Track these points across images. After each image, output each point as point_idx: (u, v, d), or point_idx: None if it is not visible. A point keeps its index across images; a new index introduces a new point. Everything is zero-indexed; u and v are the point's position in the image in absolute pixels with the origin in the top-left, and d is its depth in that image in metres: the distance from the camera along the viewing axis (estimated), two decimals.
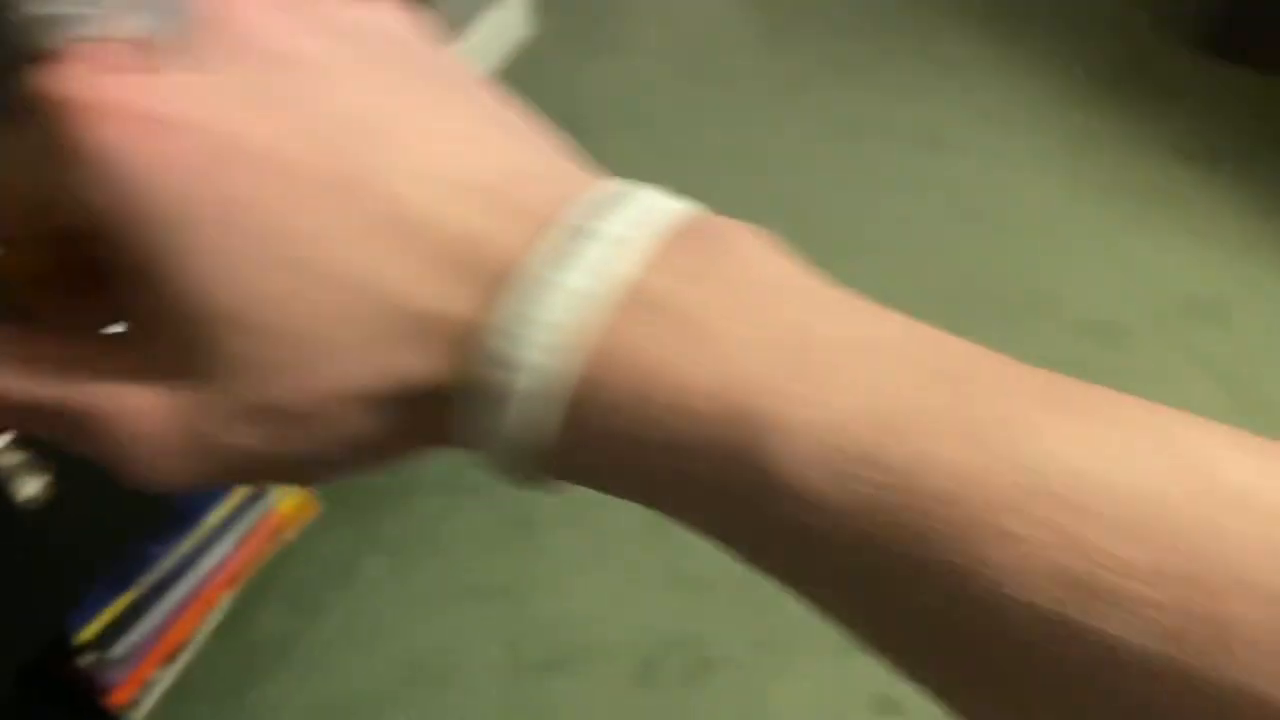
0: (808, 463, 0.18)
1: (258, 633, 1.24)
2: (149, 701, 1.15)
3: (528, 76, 1.94)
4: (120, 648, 1.11)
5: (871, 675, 1.21)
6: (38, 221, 0.22)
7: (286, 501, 1.24)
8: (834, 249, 1.62)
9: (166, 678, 1.16)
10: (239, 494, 1.21)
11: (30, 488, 0.84)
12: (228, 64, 0.21)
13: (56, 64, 0.20)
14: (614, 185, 0.21)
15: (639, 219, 0.20)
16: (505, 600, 1.29)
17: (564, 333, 0.19)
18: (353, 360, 0.20)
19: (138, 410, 0.21)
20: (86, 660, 1.10)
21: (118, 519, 1.01)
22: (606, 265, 0.20)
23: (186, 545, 1.16)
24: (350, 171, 0.20)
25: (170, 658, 1.16)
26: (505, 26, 1.93)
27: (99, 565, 1.06)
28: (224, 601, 1.21)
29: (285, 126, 0.20)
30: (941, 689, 0.19)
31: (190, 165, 0.19)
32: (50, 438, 0.22)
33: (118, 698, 1.11)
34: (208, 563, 1.17)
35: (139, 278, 0.20)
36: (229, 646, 1.22)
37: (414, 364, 0.20)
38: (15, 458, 0.82)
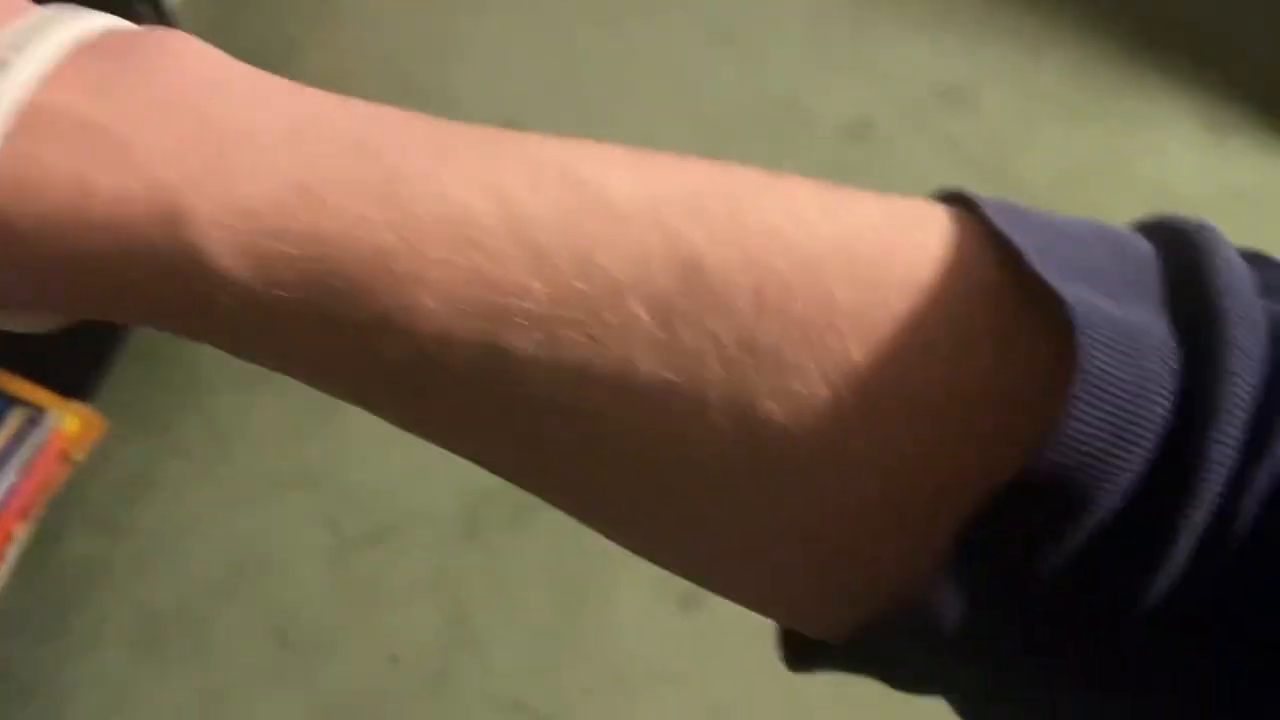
0: (229, 252, 0.19)
1: (67, 559, 1.21)
2: None
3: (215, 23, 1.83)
4: None
5: None
6: None
7: (69, 421, 1.19)
8: (594, 92, 1.62)
9: None
10: (14, 422, 1.15)
11: None
12: None
13: None
14: (39, 15, 0.21)
15: (55, 43, 0.21)
16: (318, 483, 1.28)
17: None
18: None
19: None
20: None
21: None
22: (23, 91, 0.20)
23: None
24: None
25: None
26: None
27: None
28: (22, 534, 1.16)
29: None
30: (430, 435, 0.22)
31: None
32: None
33: None
34: None
35: None
36: (39, 578, 1.18)
37: None
38: None
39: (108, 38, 0.21)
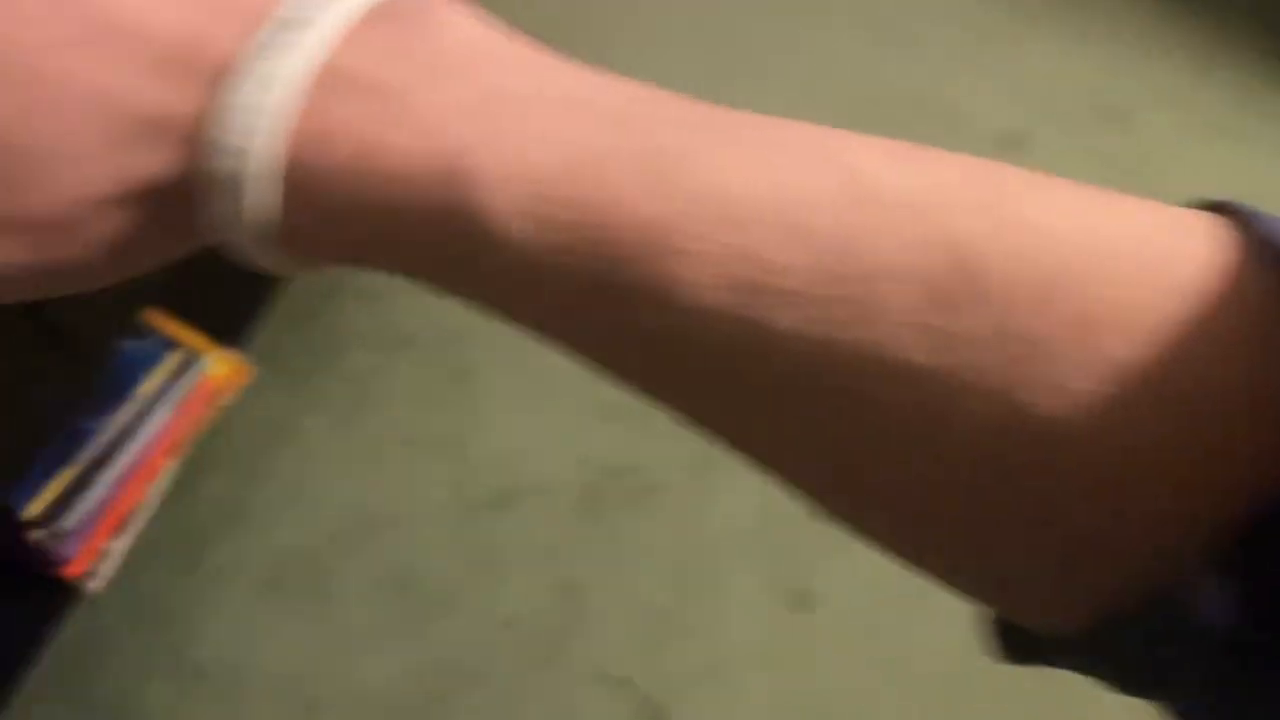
0: (509, 213, 0.20)
1: (206, 498, 1.27)
2: (107, 571, 1.17)
3: None
4: (68, 521, 1.13)
5: None
6: None
7: (219, 367, 1.24)
8: (746, 75, 1.62)
9: (120, 547, 1.18)
10: (171, 363, 1.21)
11: None
12: None
13: None
14: None
15: (341, 6, 0.22)
16: (446, 447, 1.32)
17: (265, 116, 0.21)
18: (90, 166, 0.22)
19: None
20: (36, 535, 1.11)
21: (47, 395, 1.02)
22: (306, 50, 0.21)
23: (122, 418, 1.17)
24: None
25: (120, 528, 1.18)
26: None
27: (34, 442, 1.07)
28: (168, 470, 1.22)
29: None
30: (670, 403, 0.23)
31: None
32: None
33: (73, 569, 1.13)
34: (146, 433, 1.18)
35: None
36: (179, 513, 1.24)
37: (149, 163, 0.22)
38: None
39: (388, 3, 0.23)
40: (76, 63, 0.21)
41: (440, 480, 1.29)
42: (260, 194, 0.22)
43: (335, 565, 1.24)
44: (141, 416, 1.18)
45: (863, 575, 1.23)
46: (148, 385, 1.19)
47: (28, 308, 0.91)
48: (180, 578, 1.23)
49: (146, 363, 1.20)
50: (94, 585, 1.16)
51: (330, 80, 0.21)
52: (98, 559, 1.16)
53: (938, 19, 1.69)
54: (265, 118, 0.21)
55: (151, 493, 1.20)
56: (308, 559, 1.25)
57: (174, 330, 1.23)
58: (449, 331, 1.38)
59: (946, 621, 1.24)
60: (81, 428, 1.15)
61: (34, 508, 1.11)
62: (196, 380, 1.22)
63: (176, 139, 0.22)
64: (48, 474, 1.12)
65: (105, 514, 1.15)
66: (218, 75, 0.21)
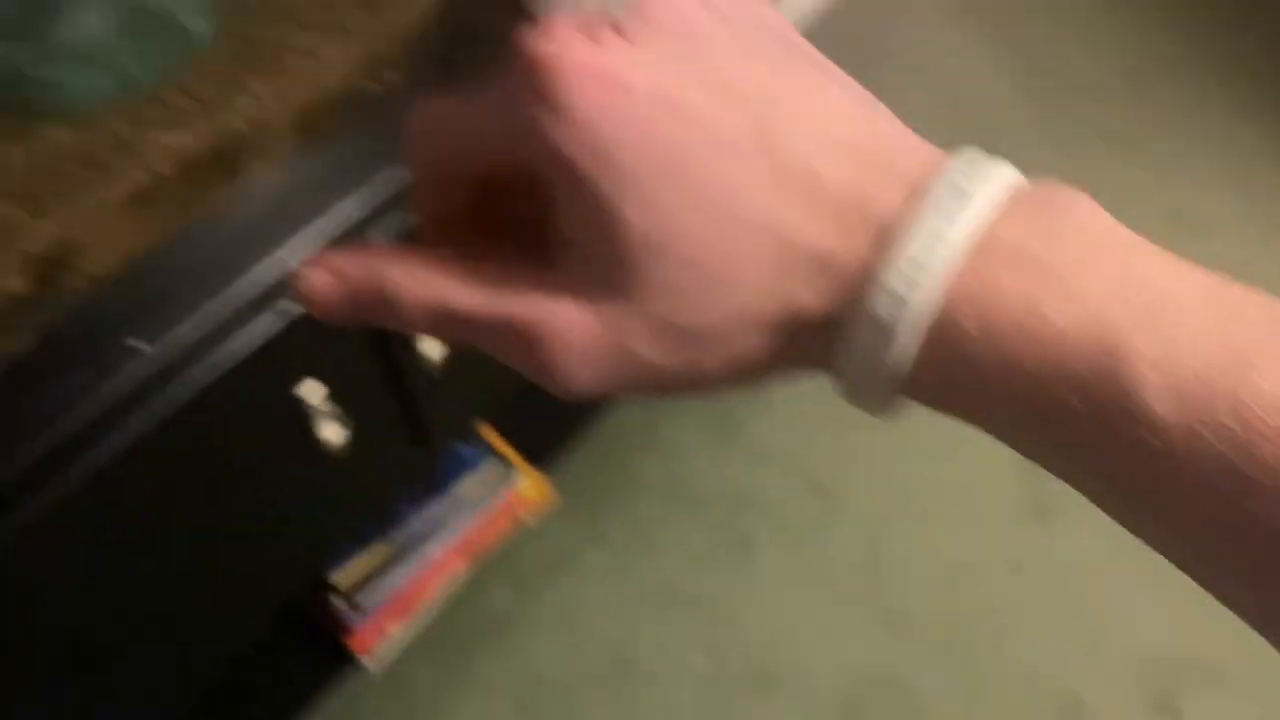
0: (1163, 397, 0.21)
1: (484, 606, 1.32)
2: (383, 652, 1.23)
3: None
4: (367, 597, 1.20)
5: None
6: (475, 164, 0.27)
7: (529, 486, 1.30)
8: None
9: (400, 633, 1.24)
10: (489, 473, 1.28)
11: (333, 435, 0.92)
12: (656, 40, 0.25)
13: (538, 29, 0.25)
14: (968, 154, 0.25)
15: (1000, 183, 0.24)
16: (714, 611, 1.33)
17: (931, 272, 0.23)
18: (755, 291, 0.25)
19: (571, 324, 0.25)
20: (337, 603, 1.19)
21: (393, 477, 1.10)
22: (970, 217, 0.23)
23: (436, 512, 1.25)
24: (759, 131, 0.24)
25: (406, 615, 1.24)
26: None
27: (366, 517, 1.15)
28: (460, 571, 1.28)
29: (706, 93, 0.24)
30: (1237, 593, 0.22)
31: (639, 120, 0.24)
32: (482, 347, 0.27)
33: (356, 643, 1.20)
34: (452, 532, 1.25)
35: (586, 210, 0.25)
36: (457, 615, 1.30)
37: (805, 297, 0.24)
38: (329, 408, 0.90)
39: (1029, 188, 0.25)
40: (769, 202, 0.24)
41: (703, 645, 1.30)
42: (908, 341, 0.24)
43: (584, 704, 1.26)
44: (452, 516, 1.25)
45: None
46: (464, 488, 1.26)
47: (406, 397, 0.99)
48: (441, 676, 1.27)
49: (468, 467, 1.27)
50: (368, 661, 1.22)
51: (991, 246, 0.23)
52: (379, 639, 1.22)
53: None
54: (930, 273, 0.23)
55: (441, 589, 1.27)
56: (560, 691, 1.27)
57: (497, 443, 1.31)
58: (738, 499, 1.40)
59: None
60: (401, 513, 1.23)
61: (343, 577, 1.19)
62: (507, 493, 1.29)
63: (835, 279, 0.24)
64: (362, 548, 1.21)
65: (398, 599, 1.22)
66: (881, 229, 0.24)
